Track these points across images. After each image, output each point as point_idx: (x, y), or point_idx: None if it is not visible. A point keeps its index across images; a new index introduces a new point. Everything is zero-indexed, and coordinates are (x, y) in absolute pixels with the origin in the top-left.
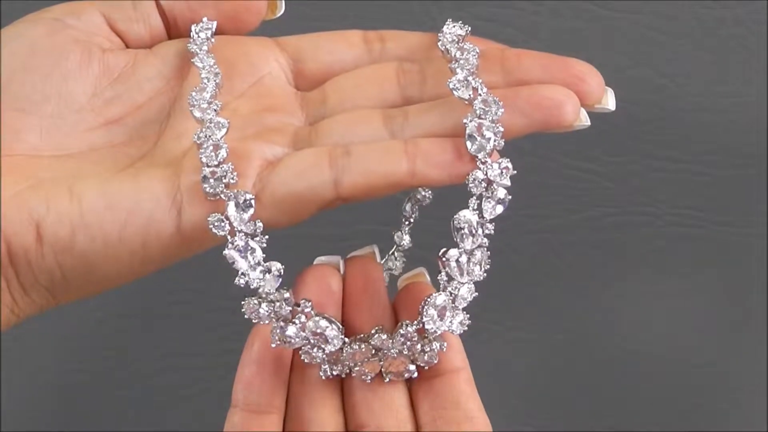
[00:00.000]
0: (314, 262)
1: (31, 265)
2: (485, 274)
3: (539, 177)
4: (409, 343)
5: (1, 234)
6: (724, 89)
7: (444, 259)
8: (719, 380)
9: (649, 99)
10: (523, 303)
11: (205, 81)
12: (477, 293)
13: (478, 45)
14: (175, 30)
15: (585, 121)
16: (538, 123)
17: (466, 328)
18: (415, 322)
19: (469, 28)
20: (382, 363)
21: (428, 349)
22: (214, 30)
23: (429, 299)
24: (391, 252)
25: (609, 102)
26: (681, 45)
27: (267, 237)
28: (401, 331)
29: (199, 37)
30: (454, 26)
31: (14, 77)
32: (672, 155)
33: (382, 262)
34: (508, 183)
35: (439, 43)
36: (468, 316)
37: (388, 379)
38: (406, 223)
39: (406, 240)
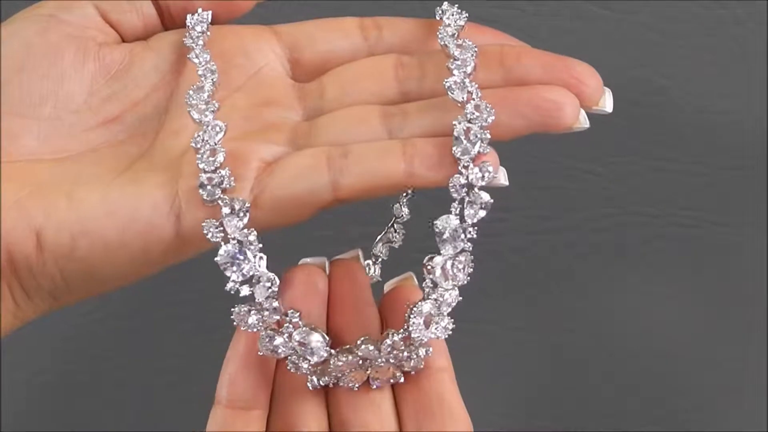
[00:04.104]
0: (299, 263)
1: (32, 271)
2: (468, 278)
3: (539, 177)
4: (395, 351)
5: (2, 243)
6: (724, 89)
7: (429, 266)
8: (719, 380)
9: (649, 99)
10: (522, 303)
11: (202, 79)
12: (461, 298)
13: (481, 35)
14: (169, 19)
15: (584, 123)
16: (537, 124)
17: (450, 333)
18: (401, 330)
19: (467, 15)
20: (369, 371)
21: (414, 355)
22: (209, 21)
23: (415, 307)
24: (390, 224)
25: (606, 104)
26: (681, 45)
27: (261, 245)
28: (387, 341)
29: (194, 30)
30: (453, 14)
31: (10, 80)
32: (672, 155)
33: (382, 234)
34: (488, 197)
35: (439, 38)
36: (452, 320)
37: (375, 386)
38: (404, 195)
39: (405, 212)
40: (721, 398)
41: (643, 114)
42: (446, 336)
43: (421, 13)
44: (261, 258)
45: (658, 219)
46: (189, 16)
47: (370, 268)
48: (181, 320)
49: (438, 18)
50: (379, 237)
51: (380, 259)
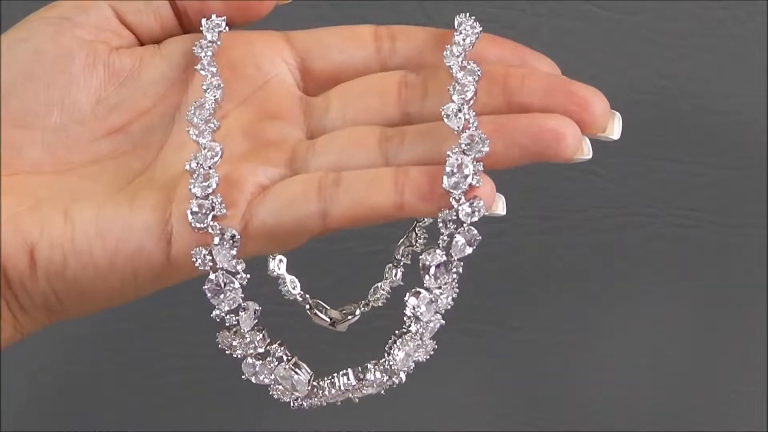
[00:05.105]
0: None
1: (26, 288)
2: (452, 304)
3: (539, 178)
4: (376, 383)
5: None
6: (724, 89)
7: (408, 314)
8: (719, 380)
9: (649, 99)
10: (523, 304)
11: (206, 95)
12: (443, 322)
13: (497, 48)
14: (186, 20)
15: (587, 153)
16: (535, 155)
17: (430, 355)
18: (382, 361)
19: (480, 30)
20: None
21: (396, 379)
22: (222, 28)
23: (399, 341)
24: (411, 228)
25: (614, 130)
26: (681, 45)
27: (248, 276)
28: (369, 376)
29: (205, 38)
30: (466, 29)
31: (16, 88)
32: (672, 155)
33: (403, 238)
34: (475, 232)
35: (444, 57)
36: (434, 342)
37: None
38: None
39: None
40: (721, 398)
41: (643, 114)
42: (428, 357)
43: (419, 10)
44: (281, 261)
45: (658, 219)
46: (203, 21)
47: (391, 272)
48: (181, 320)
49: (456, 26)
50: (401, 241)
51: (402, 263)
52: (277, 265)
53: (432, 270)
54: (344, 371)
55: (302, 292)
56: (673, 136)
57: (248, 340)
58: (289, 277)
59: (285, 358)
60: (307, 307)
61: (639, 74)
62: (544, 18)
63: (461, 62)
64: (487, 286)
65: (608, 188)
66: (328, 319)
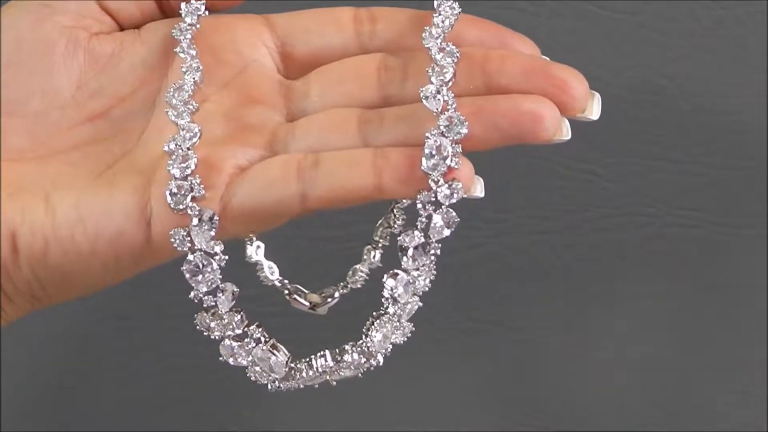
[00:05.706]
0: None
1: (9, 275)
2: (429, 286)
3: (538, 177)
4: (354, 364)
5: None
6: (724, 89)
7: (385, 295)
8: (719, 380)
9: (649, 99)
10: (523, 304)
11: (186, 77)
12: (421, 304)
13: (478, 30)
14: (167, 6)
15: (565, 134)
16: (514, 136)
17: (408, 337)
18: (360, 342)
19: (460, 11)
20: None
21: (374, 361)
22: (202, 11)
23: (376, 322)
24: (390, 209)
25: (593, 111)
26: (681, 45)
27: (227, 257)
28: (347, 357)
29: (184, 22)
30: (446, 10)
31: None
32: (672, 155)
33: (382, 219)
34: (453, 214)
35: (423, 39)
36: (412, 325)
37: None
38: None
39: None
40: (721, 398)
41: (643, 114)
42: (405, 339)
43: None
44: (259, 247)
45: (658, 219)
46: (183, 5)
47: (370, 254)
48: (181, 320)
49: (435, 7)
50: (379, 222)
51: (381, 245)
52: (255, 251)
53: (410, 251)
54: (322, 352)
55: (281, 278)
56: (673, 136)
57: (226, 321)
58: (267, 263)
59: (263, 339)
60: (286, 292)
61: (639, 74)
62: (544, 18)
63: (440, 44)
64: (487, 286)
65: (608, 188)
66: (308, 304)
